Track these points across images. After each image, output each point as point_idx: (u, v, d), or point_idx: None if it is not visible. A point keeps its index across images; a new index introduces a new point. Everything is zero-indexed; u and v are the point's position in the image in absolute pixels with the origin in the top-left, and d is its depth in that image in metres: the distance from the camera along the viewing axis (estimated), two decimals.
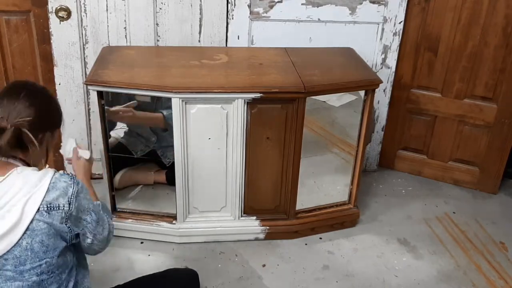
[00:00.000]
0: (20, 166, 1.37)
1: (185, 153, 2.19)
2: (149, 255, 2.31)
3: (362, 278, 2.26)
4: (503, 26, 2.58)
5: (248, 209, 2.38)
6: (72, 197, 1.36)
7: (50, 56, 2.49)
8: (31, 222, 1.30)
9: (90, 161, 1.87)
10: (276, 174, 2.31)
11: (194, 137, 2.16)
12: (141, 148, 2.62)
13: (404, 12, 2.66)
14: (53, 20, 2.42)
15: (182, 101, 2.07)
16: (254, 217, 2.40)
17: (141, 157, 2.58)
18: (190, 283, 1.83)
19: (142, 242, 2.38)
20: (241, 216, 2.38)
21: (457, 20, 2.65)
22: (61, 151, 2.01)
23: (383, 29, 2.69)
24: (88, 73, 2.46)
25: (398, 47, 2.74)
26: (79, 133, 2.68)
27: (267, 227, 2.41)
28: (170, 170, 2.52)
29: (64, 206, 1.35)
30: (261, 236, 2.43)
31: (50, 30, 2.44)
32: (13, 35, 2.46)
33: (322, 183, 2.68)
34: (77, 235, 1.43)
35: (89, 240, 1.47)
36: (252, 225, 2.40)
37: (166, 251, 2.34)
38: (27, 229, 1.30)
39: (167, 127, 2.34)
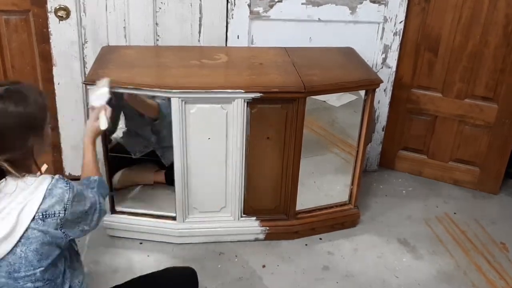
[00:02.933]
0: (13, 175, 1.31)
1: (184, 153, 2.18)
2: (148, 256, 2.30)
3: (362, 278, 2.26)
4: (503, 26, 2.57)
5: (248, 210, 2.37)
6: (68, 203, 1.35)
7: (49, 55, 2.49)
8: (26, 230, 1.29)
9: (103, 130, 1.85)
10: (276, 174, 2.30)
11: (193, 137, 2.16)
12: (139, 149, 2.61)
13: (405, 12, 2.66)
14: (52, 19, 2.41)
15: (182, 101, 2.06)
16: (254, 218, 2.40)
17: (140, 157, 2.57)
18: (188, 280, 1.83)
19: (141, 243, 2.37)
20: (241, 217, 2.38)
21: (458, 20, 2.64)
22: (90, 95, 1.93)
23: (383, 29, 2.68)
24: (87, 72, 2.45)
25: (398, 47, 2.74)
26: (78, 133, 2.67)
27: (267, 228, 2.41)
28: (169, 170, 2.51)
29: (59, 212, 1.33)
30: (261, 236, 2.42)
31: (49, 29, 2.43)
32: (12, 35, 2.45)
33: (322, 183, 2.68)
34: (72, 240, 1.41)
35: (87, 229, 1.46)
36: (252, 226, 2.40)
37: (166, 252, 2.33)
38: (22, 237, 1.28)
39: (159, 118, 2.32)
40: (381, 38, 2.70)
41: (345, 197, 2.57)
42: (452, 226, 2.65)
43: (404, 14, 2.66)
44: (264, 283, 2.20)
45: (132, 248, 2.34)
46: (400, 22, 2.68)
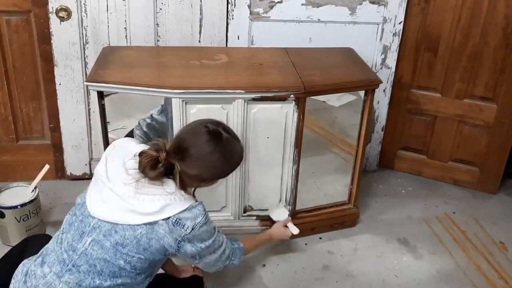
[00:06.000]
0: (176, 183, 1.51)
1: None
2: None
3: (362, 278, 2.27)
4: (503, 26, 2.58)
5: (248, 209, 2.38)
6: (197, 225, 1.50)
7: (50, 56, 2.49)
8: (156, 222, 1.44)
9: (292, 236, 2.21)
10: (276, 174, 2.31)
11: None
12: None
13: (404, 12, 2.66)
14: (53, 20, 2.42)
15: (182, 101, 2.07)
16: (254, 217, 2.40)
17: None
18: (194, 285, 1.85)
19: None
20: (242, 216, 2.38)
21: (457, 20, 2.65)
22: (272, 213, 2.34)
23: (383, 29, 2.69)
24: (88, 73, 2.46)
25: (398, 47, 2.74)
26: (80, 133, 2.68)
27: (267, 227, 2.40)
28: None
29: (188, 228, 1.49)
30: None
31: (50, 30, 2.44)
32: (14, 35, 2.46)
33: (322, 183, 2.68)
34: (175, 255, 1.57)
35: (196, 261, 1.63)
36: (252, 225, 2.40)
37: None
38: (150, 223, 1.44)
39: None
40: (381, 39, 2.71)
41: (344, 197, 2.57)
42: (451, 226, 2.66)
43: (404, 15, 2.67)
44: (264, 282, 2.21)
45: None
46: (400, 23, 2.68)
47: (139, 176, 1.46)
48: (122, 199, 1.43)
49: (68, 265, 1.44)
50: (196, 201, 1.55)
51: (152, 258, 1.48)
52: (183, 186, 1.52)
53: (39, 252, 1.54)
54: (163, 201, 1.45)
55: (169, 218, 1.45)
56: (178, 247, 1.50)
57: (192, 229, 1.49)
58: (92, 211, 1.46)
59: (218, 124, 1.61)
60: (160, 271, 1.83)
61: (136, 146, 1.58)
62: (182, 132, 1.57)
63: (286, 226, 2.20)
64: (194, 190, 1.71)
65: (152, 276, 1.58)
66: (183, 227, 1.47)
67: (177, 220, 1.46)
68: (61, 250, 1.47)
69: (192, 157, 1.50)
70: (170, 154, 1.49)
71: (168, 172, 1.49)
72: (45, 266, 1.46)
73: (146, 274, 1.53)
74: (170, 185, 1.49)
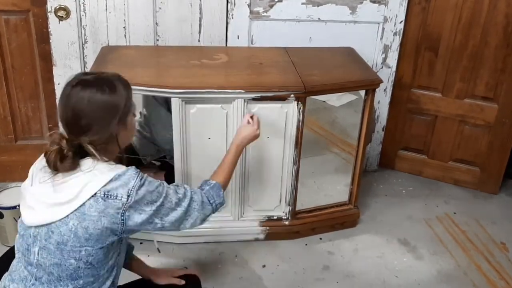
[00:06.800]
0: (95, 157, 1.38)
1: (185, 153, 2.18)
2: (148, 256, 2.30)
3: (362, 278, 2.26)
4: (503, 26, 2.57)
5: (248, 209, 2.37)
6: (132, 189, 1.37)
7: (49, 55, 2.49)
8: (83, 204, 1.34)
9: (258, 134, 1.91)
10: (276, 174, 2.30)
11: (194, 137, 2.16)
12: (151, 153, 2.59)
13: (405, 11, 2.66)
14: (52, 19, 2.41)
15: (182, 101, 2.06)
16: (254, 217, 2.39)
17: (139, 157, 2.57)
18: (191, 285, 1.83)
19: (141, 243, 2.37)
20: (241, 217, 2.38)
21: (458, 20, 2.64)
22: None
23: (383, 29, 2.68)
24: None
25: (398, 47, 2.73)
26: None
27: (267, 228, 2.41)
28: (168, 171, 2.51)
29: (122, 196, 1.36)
30: (261, 236, 2.42)
31: (49, 29, 2.43)
32: (12, 35, 2.45)
33: (322, 183, 2.68)
34: (130, 230, 1.43)
35: (159, 225, 1.47)
36: (252, 226, 2.39)
37: (166, 252, 2.33)
38: (77, 210, 1.34)
39: None
40: (381, 38, 2.70)
41: (345, 197, 2.57)
42: (452, 226, 2.65)
43: (404, 14, 2.66)
44: (264, 283, 2.20)
45: None
46: (400, 22, 2.67)
47: (52, 171, 1.38)
48: (44, 197, 1.38)
49: (30, 280, 1.41)
50: (128, 168, 1.41)
51: (102, 245, 1.38)
52: (106, 155, 1.41)
53: (10, 267, 1.50)
54: (82, 182, 1.35)
55: (95, 194, 1.34)
56: (123, 219, 1.38)
57: (128, 196, 1.36)
58: (26, 221, 1.41)
59: (76, 76, 1.50)
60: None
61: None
62: (58, 110, 1.47)
63: (248, 122, 1.94)
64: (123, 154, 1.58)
65: (117, 267, 1.49)
66: (116, 198, 1.36)
67: (106, 193, 1.35)
68: (22, 268, 1.45)
69: (84, 120, 1.39)
70: (68, 136, 1.40)
71: (82, 155, 1.39)
72: (14, 283, 1.44)
73: (107, 267, 1.45)
74: (86, 164, 1.38)
